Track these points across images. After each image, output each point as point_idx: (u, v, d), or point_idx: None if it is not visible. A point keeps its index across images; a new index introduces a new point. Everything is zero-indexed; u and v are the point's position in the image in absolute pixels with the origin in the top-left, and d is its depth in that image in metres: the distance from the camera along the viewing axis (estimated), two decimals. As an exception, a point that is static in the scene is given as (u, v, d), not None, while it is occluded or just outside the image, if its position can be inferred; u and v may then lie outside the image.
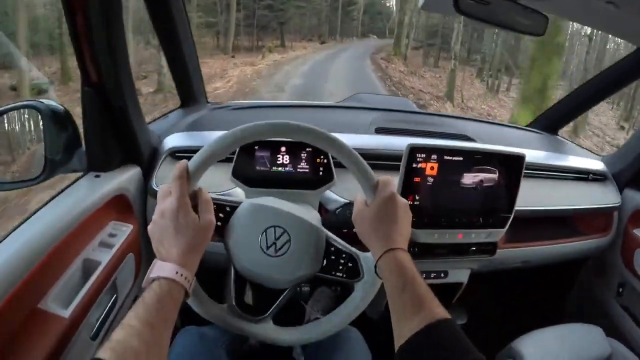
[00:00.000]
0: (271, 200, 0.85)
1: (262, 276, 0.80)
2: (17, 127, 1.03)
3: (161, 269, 0.65)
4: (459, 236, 1.10)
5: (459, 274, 1.26)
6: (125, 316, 0.58)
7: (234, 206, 0.82)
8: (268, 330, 0.84)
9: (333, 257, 0.83)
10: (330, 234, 0.85)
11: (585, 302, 1.67)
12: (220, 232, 0.81)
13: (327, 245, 0.83)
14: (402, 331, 0.61)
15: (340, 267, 0.83)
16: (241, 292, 0.83)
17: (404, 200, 0.78)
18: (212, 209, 0.74)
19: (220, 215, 0.81)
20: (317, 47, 28.89)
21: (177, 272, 0.65)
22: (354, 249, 0.84)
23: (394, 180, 0.80)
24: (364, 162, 0.77)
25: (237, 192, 1.07)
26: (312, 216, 0.86)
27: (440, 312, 0.61)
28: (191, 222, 0.69)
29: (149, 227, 0.71)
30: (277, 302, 0.84)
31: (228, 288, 0.83)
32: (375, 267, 0.75)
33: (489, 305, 1.78)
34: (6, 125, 0.97)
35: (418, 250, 1.08)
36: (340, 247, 0.84)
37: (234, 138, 0.73)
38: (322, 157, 1.01)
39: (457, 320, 1.26)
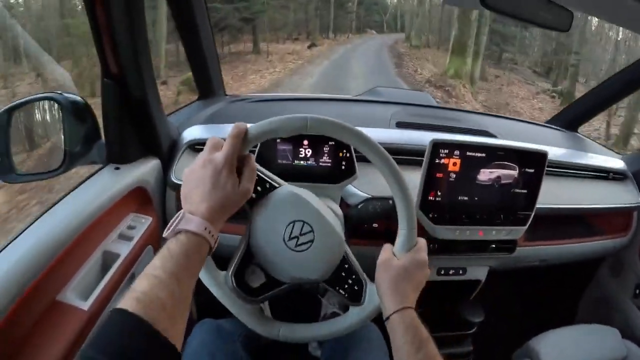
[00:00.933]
0: (309, 195, 0.83)
1: (272, 262, 0.79)
2: (36, 119, 1.03)
3: (190, 221, 0.62)
4: (480, 233, 1.09)
5: (478, 271, 1.25)
6: (148, 265, 0.56)
7: (275, 186, 0.80)
8: (251, 317, 0.83)
9: (343, 274, 0.82)
10: (349, 251, 0.84)
11: (602, 303, 1.65)
12: (251, 204, 0.79)
13: (342, 260, 0.82)
14: None
15: (346, 286, 0.82)
16: (242, 268, 0.81)
17: (429, 270, 0.79)
18: (255, 178, 0.73)
19: (258, 188, 0.79)
20: (307, 56, 17.42)
21: (205, 228, 0.62)
22: (364, 275, 0.83)
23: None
24: (415, 218, 0.77)
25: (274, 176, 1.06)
26: (339, 226, 0.85)
27: None
28: (230, 184, 0.67)
29: (185, 170, 0.69)
30: (271, 292, 0.82)
31: (232, 259, 0.81)
32: (387, 319, 0.74)
33: (506, 304, 1.76)
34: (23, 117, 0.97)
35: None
36: (353, 267, 0.83)
37: (302, 123, 0.72)
38: (344, 151, 1.00)
39: (475, 318, 1.25)
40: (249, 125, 0.71)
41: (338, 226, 0.84)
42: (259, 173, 0.77)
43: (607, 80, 1.61)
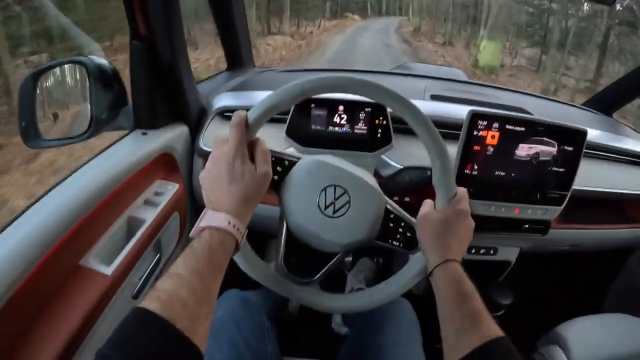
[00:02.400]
0: (332, 159, 0.81)
1: (317, 237, 0.77)
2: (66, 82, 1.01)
3: (213, 218, 0.61)
4: (515, 211, 1.06)
5: (509, 252, 1.23)
6: (172, 265, 0.55)
7: (294, 161, 0.78)
8: (313, 295, 0.81)
9: (391, 225, 0.79)
10: (389, 200, 0.81)
11: (631, 292, 1.61)
12: (277, 187, 0.77)
13: (386, 212, 0.79)
14: (459, 344, 0.59)
15: (398, 236, 0.80)
16: (290, 253, 0.79)
17: (472, 221, 0.76)
18: (270, 160, 0.70)
19: (278, 168, 0.77)
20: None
21: (229, 222, 0.61)
22: (413, 219, 0.80)
23: (467, 195, 0.77)
24: (452, 167, 0.74)
25: (290, 152, 1.04)
26: (374, 181, 0.82)
27: (497, 330, 0.59)
28: (247, 172, 0.65)
29: (200, 175, 0.68)
30: (327, 266, 0.80)
31: (277, 247, 0.80)
32: (430, 273, 0.72)
33: (534, 288, 1.73)
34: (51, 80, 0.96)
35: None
36: (399, 214, 0.80)
37: (301, 89, 0.68)
38: (381, 118, 0.97)
39: (503, 300, 1.23)
40: (247, 112, 0.69)
41: (370, 178, 0.81)
42: (273, 154, 0.74)
43: (645, 65, 1.55)
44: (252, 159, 0.67)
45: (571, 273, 1.78)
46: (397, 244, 0.80)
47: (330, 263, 0.80)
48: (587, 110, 1.73)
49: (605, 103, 1.72)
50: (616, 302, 1.65)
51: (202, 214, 0.63)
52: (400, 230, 0.80)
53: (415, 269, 0.78)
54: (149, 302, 0.48)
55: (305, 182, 0.76)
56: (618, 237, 1.34)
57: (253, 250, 0.76)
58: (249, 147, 0.68)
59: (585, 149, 1.05)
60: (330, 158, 0.80)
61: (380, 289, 0.81)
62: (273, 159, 0.73)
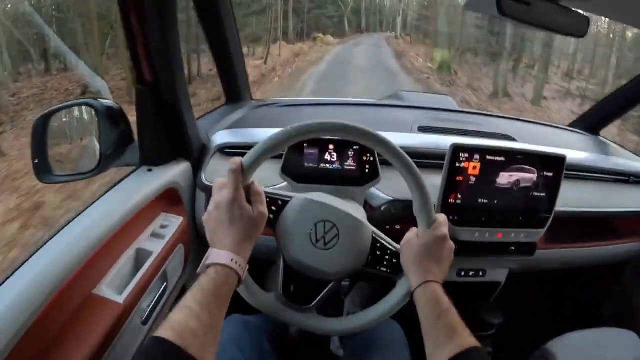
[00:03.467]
0: (321, 196, 0.88)
1: (311, 268, 0.83)
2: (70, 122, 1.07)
3: (217, 256, 0.68)
4: (499, 235, 1.10)
5: (498, 274, 1.27)
6: (182, 299, 0.61)
7: (286, 200, 0.85)
8: (312, 320, 0.86)
9: (378, 253, 0.86)
10: (376, 230, 0.87)
11: (623, 308, 1.63)
12: (272, 225, 0.84)
13: (373, 241, 0.86)
14: (436, 357, 0.66)
15: (385, 263, 0.86)
16: (288, 282, 0.86)
17: (452, 244, 0.82)
18: (264, 201, 0.77)
19: (273, 208, 0.84)
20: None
21: (232, 260, 0.68)
22: (397, 246, 0.86)
23: (446, 221, 0.83)
24: (430, 197, 0.80)
25: (285, 188, 1.10)
26: (360, 213, 0.89)
27: (472, 341, 0.65)
28: (245, 213, 0.72)
29: (203, 218, 0.75)
30: (322, 293, 0.86)
31: (276, 278, 0.87)
32: (412, 294, 0.78)
33: (526, 307, 1.76)
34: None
35: (458, 248, 1.07)
36: (385, 243, 0.87)
37: (288, 135, 0.76)
38: (368, 155, 1.03)
39: (494, 320, 1.26)
40: (242, 158, 0.75)
41: (356, 212, 0.88)
42: (267, 195, 0.82)
43: (630, 83, 1.59)
44: (249, 201, 0.75)
45: (562, 290, 1.80)
46: (385, 269, 0.86)
47: (325, 290, 0.87)
48: (573, 131, 1.77)
49: (591, 123, 1.77)
50: (610, 317, 1.67)
51: (207, 253, 0.70)
52: (387, 257, 0.86)
53: (401, 293, 0.83)
54: (164, 332, 0.55)
55: (298, 219, 0.84)
56: (607, 253, 1.37)
57: (255, 277, 0.82)
58: (246, 190, 0.75)
59: (570, 170, 1.10)
60: (319, 196, 0.88)
61: (370, 311, 0.87)
62: (268, 199, 0.81)
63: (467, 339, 0.65)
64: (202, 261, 0.69)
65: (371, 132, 0.76)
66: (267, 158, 0.76)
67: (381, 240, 0.87)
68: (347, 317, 0.88)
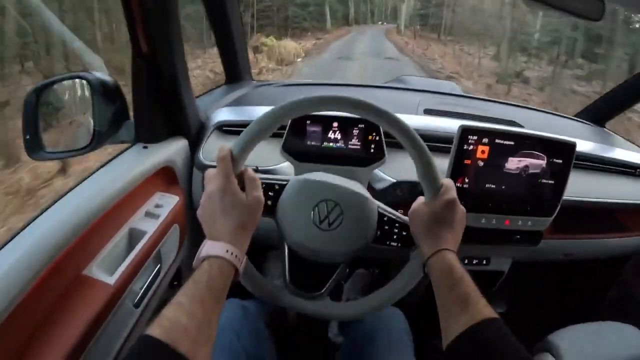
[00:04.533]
0: (320, 175, 0.84)
1: (317, 251, 0.80)
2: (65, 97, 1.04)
3: (211, 248, 0.65)
4: (506, 222, 1.08)
5: (501, 263, 1.25)
6: (176, 294, 0.58)
7: (283, 184, 0.82)
8: (326, 306, 0.84)
9: (386, 227, 0.83)
10: (381, 204, 0.84)
11: (625, 301, 1.63)
12: (271, 211, 0.81)
13: (379, 216, 0.82)
14: (450, 329, 0.62)
15: (395, 237, 0.83)
16: (295, 269, 0.82)
17: (462, 208, 0.78)
18: (259, 186, 0.74)
19: (270, 194, 0.81)
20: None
21: (227, 251, 0.65)
22: (405, 217, 0.83)
23: (453, 185, 0.79)
24: (434, 161, 0.75)
25: (286, 167, 1.07)
26: (363, 189, 0.85)
27: (487, 311, 0.61)
28: (238, 201, 0.69)
29: (197, 212, 0.72)
30: (333, 276, 0.83)
31: (282, 267, 0.83)
32: (425, 265, 0.74)
33: (528, 297, 1.75)
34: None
35: (464, 235, 1.06)
36: (392, 216, 0.83)
37: (274, 116, 0.72)
38: (374, 134, 0.99)
39: (496, 309, 1.24)
40: (231, 145, 0.72)
41: (358, 187, 0.85)
42: (262, 180, 0.78)
43: (637, 75, 1.57)
44: (243, 188, 0.71)
45: (565, 282, 1.79)
46: (395, 244, 0.83)
47: (336, 273, 0.83)
48: (579, 121, 1.76)
49: (597, 114, 1.75)
50: (612, 310, 1.67)
51: (201, 245, 0.66)
52: (396, 230, 0.83)
53: (415, 265, 0.80)
54: (153, 329, 0.51)
55: (297, 201, 0.80)
56: (611, 246, 1.36)
57: (254, 264, 0.79)
58: (239, 177, 0.72)
59: (577, 160, 1.07)
60: (317, 175, 0.84)
61: (385, 290, 0.83)
62: (263, 185, 0.77)
63: (482, 310, 0.61)
64: (197, 254, 0.66)
65: (362, 101, 0.72)
66: (258, 142, 0.72)
67: (388, 214, 0.83)
68: (362, 299, 0.85)
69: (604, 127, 1.77)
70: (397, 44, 23.17)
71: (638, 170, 1.41)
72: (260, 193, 0.73)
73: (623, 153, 1.46)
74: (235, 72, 1.60)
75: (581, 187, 1.23)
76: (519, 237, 1.12)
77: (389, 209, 0.84)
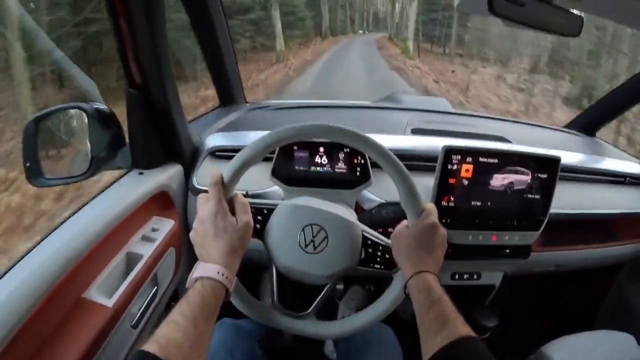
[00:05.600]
0: (307, 200, 0.88)
1: (303, 273, 0.83)
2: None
3: (204, 269, 0.69)
4: (493, 238, 1.10)
5: (492, 277, 1.26)
6: (170, 313, 0.61)
7: (271, 208, 0.85)
8: (311, 326, 0.86)
9: (370, 250, 0.85)
10: (365, 227, 0.87)
11: (618, 309, 1.63)
12: (260, 235, 0.84)
13: (363, 239, 0.85)
14: (428, 348, 0.64)
15: (378, 259, 0.85)
16: (282, 290, 0.85)
17: (444, 231, 0.80)
18: (249, 210, 0.78)
19: (259, 217, 0.84)
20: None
21: (218, 272, 0.68)
22: (388, 241, 0.85)
23: (435, 210, 0.82)
24: (415, 187, 0.78)
25: (276, 191, 1.09)
26: (347, 213, 0.89)
27: (464, 330, 0.63)
28: (229, 225, 0.72)
29: (190, 235, 0.76)
30: (319, 297, 0.86)
31: (270, 287, 0.86)
32: (405, 286, 0.77)
33: (521, 309, 1.76)
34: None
35: (452, 252, 1.08)
36: (376, 240, 0.86)
37: (265, 145, 0.76)
38: (359, 157, 1.02)
39: (488, 323, 1.26)
40: (222, 170, 0.76)
41: (343, 212, 0.87)
42: (252, 205, 0.81)
43: (626, 83, 1.59)
44: (234, 212, 0.75)
45: (557, 292, 1.79)
46: (379, 266, 0.86)
47: (322, 294, 0.86)
48: (569, 132, 1.77)
49: (587, 124, 1.77)
50: (605, 319, 1.67)
51: (194, 267, 0.70)
52: (379, 253, 0.85)
53: (397, 287, 0.83)
54: (149, 346, 0.55)
55: (285, 226, 0.83)
56: (602, 255, 1.37)
57: (248, 285, 0.83)
58: (230, 202, 0.75)
59: (566, 171, 1.09)
60: (304, 200, 0.88)
61: (369, 310, 0.86)
62: (253, 209, 0.81)
63: (460, 329, 0.63)
64: (189, 275, 0.69)
65: (348, 130, 0.75)
66: (248, 168, 0.77)
67: (371, 237, 0.86)
68: (346, 319, 0.88)
69: (594, 136, 1.78)
70: (402, 71, 14.80)
71: (627, 178, 1.42)
72: (249, 217, 0.76)
73: (612, 162, 1.48)
74: (228, 95, 1.62)
75: (571, 198, 1.24)
76: (508, 251, 1.14)
77: (373, 232, 0.87)
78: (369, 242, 0.86)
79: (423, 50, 21.28)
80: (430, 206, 0.81)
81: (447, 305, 0.68)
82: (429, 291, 0.71)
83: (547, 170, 1.06)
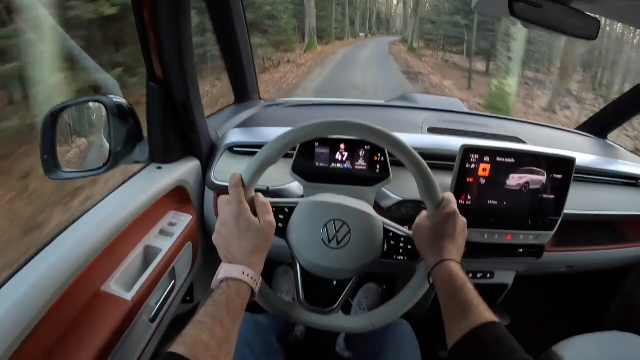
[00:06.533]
0: (327, 196, 0.88)
1: (328, 269, 0.83)
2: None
3: (229, 270, 0.69)
4: (508, 237, 1.11)
5: (505, 276, 1.27)
6: (196, 314, 0.62)
7: (292, 207, 0.86)
8: (340, 320, 0.87)
9: (392, 242, 0.86)
10: (386, 220, 0.88)
11: (628, 311, 1.63)
12: (283, 233, 0.85)
13: (385, 231, 0.86)
14: (452, 334, 0.66)
15: (401, 250, 0.87)
16: (308, 286, 0.86)
17: (463, 219, 0.82)
18: (271, 210, 0.78)
19: (281, 216, 0.85)
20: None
21: (243, 273, 0.69)
22: (410, 232, 0.87)
23: (454, 198, 0.83)
24: (433, 178, 0.79)
25: (296, 187, 1.10)
26: (367, 207, 0.89)
27: (488, 315, 0.64)
28: (252, 226, 0.73)
29: (213, 237, 0.76)
30: (344, 292, 0.87)
31: (295, 284, 0.87)
32: (429, 275, 0.78)
33: (532, 309, 1.76)
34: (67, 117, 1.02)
35: (467, 250, 1.08)
36: (397, 231, 0.87)
37: (283, 144, 0.76)
38: (379, 155, 1.03)
39: (501, 322, 1.26)
40: (241, 171, 0.76)
41: (364, 206, 0.88)
42: (273, 205, 0.82)
43: (638, 86, 1.59)
44: (255, 213, 0.76)
45: (568, 293, 1.80)
46: (402, 257, 0.87)
47: (347, 288, 0.87)
48: (581, 134, 1.77)
49: (599, 126, 1.77)
50: (616, 321, 1.67)
51: (219, 268, 0.71)
52: (402, 245, 0.87)
53: (421, 277, 0.84)
54: (177, 347, 0.55)
55: (307, 222, 0.84)
56: (614, 257, 1.37)
57: (263, 280, 0.82)
58: (250, 203, 0.76)
59: (578, 173, 1.09)
60: (325, 196, 0.89)
61: (394, 302, 0.87)
62: (274, 209, 0.81)
63: (483, 314, 0.65)
64: (214, 276, 0.70)
65: (368, 125, 0.76)
66: (267, 168, 0.77)
67: (393, 229, 0.87)
68: (373, 312, 0.88)
69: (606, 139, 1.79)
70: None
71: (639, 181, 1.43)
72: (271, 217, 0.77)
73: (624, 164, 1.48)
74: (244, 91, 1.63)
75: (583, 200, 1.25)
76: (521, 250, 1.14)
77: (394, 224, 0.88)
78: (391, 234, 0.86)
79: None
80: (449, 195, 0.82)
81: (471, 292, 0.69)
82: (452, 278, 0.72)
83: (562, 170, 1.06)
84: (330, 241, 0.82)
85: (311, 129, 0.76)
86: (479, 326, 0.63)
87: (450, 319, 0.68)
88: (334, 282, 0.86)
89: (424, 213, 0.85)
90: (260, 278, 0.74)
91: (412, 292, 0.85)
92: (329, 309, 0.86)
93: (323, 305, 0.86)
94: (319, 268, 0.84)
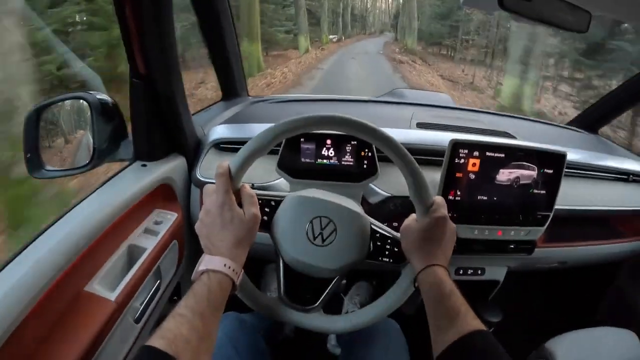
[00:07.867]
0: (315, 192, 0.86)
1: (311, 266, 0.81)
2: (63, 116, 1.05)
3: (210, 262, 0.67)
4: (498, 233, 1.10)
5: (496, 272, 1.26)
6: (175, 307, 0.60)
7: (279, 200, 0.84)
8: (319, 320, 0.85)
9: (379, 243, 0.84)
10: (374, 220, 0.86)
11: (620, 306, 1.64)
12: (267, 226, 0.83)
13: (372, 232, 0.84)
14: (439, 342, 0.64)
15: (387, 252, 0.85)
16: (290, 283, 0.84)
17: (453, 225, 0.80)
18: (257, 202, 0.76)
19: (266, 209, 0.83)
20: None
21: (225, 265, 0.67)
22: (397, 234, 0.84)
23: (444, 202, 0.81)
24: (424, 179, 0.77)
25: (282, 183, 1.08)
26: (355, 205, 0.87)
27: (476, 324, 0.63)
28: (236, 217, 0.71)
29: (196, 226, 0.74)
30: (327, 290, 0.85)
31: (277, 280, 0.85)
32: (415, 279, 0.76)
33: (524, 305, 1.76)
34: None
35: (457, 246, 1.07)
36: (384, 233, 0.85)
37: (273, 135, 0.73)
38: (366, 150, 1.02)
39: (492, 318, 1.26)
40: (229, 161, 0.74)
41: (352, 204, 0.86)
42: (259, 197, 0.80)
43: (629, 81, 1.59)
44: (240, 204, 0.73)
45: (560, 289, 1.80)
46: (387, 259, 0.85)
47: (329, 287, 0.85)
48: (572, 129, 1.77)
49: (590, 121, 1.77)
50: (607, 316, 1.68)
51: (200, 259, 0.68)
52: (388, 246, 0.84)
53: (406, 281, 0.82)
54: (155, 340, 0.53)
55: (292, 218, 0.82)
56: (605, 252, 1.37)
57: (251, 277, 0.81)
58: (236, 193, 0.74)
59: (569, 168, 1.09)
60: (312, 192, 0.86)
61: (377, 304, 0.85)
62: (260, 201, 0.79)
63: (471, 322, 0.63)
64: (195, 267, 0.68)
65: (357, 121, 0.74)
66: (255, 159, 0.74)
67: (380, 230, 0.85)
68: (354, 313, 0.86)
69: (597, 134, 1.79)
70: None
71: (631, 176, 1.42)
72: (257, 209, 0.75)
73: (615, 160, 1.48)
74: (231, 88, 1.62)
75: (575, 195, 1.24)
76: (512, 246, 1.14)
77: (382, 225, 0.86)
78: (378, 235, 0.85)
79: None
80: (440, 199, 0.80)
81: (458, 299, 0.67)
82: (439, 285, 0.70)
83: (553, 165, 1.05)
84: (315, 238, 0.81)
85: (301, 122, 0.74)
86: (468, 334, 0.61)
87: (437, 326, 0.66)
88: (317, 280, 0.84)
89: (412, 215, 0.83)
90: (242, 271, 0.72)
91: (396, 297, 0.83)
92: (310, 307, 0.84)
93: (304, 303, 0.84)
94: (301, 264, 0.82)
